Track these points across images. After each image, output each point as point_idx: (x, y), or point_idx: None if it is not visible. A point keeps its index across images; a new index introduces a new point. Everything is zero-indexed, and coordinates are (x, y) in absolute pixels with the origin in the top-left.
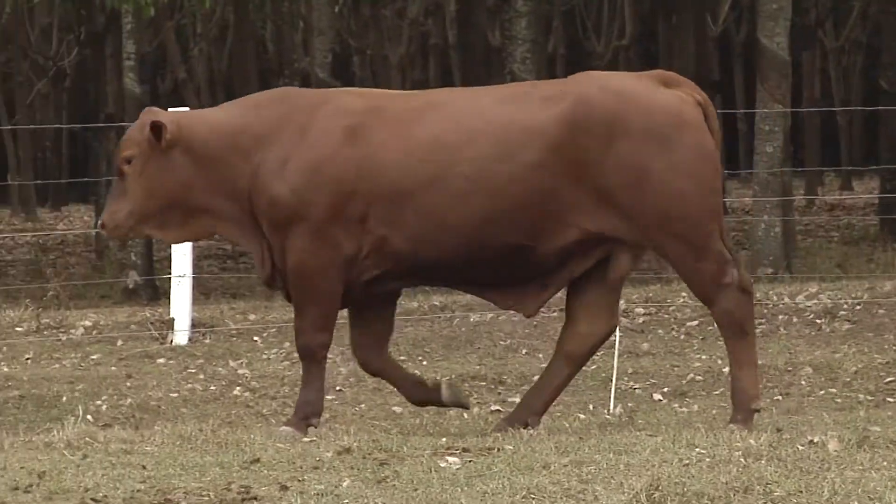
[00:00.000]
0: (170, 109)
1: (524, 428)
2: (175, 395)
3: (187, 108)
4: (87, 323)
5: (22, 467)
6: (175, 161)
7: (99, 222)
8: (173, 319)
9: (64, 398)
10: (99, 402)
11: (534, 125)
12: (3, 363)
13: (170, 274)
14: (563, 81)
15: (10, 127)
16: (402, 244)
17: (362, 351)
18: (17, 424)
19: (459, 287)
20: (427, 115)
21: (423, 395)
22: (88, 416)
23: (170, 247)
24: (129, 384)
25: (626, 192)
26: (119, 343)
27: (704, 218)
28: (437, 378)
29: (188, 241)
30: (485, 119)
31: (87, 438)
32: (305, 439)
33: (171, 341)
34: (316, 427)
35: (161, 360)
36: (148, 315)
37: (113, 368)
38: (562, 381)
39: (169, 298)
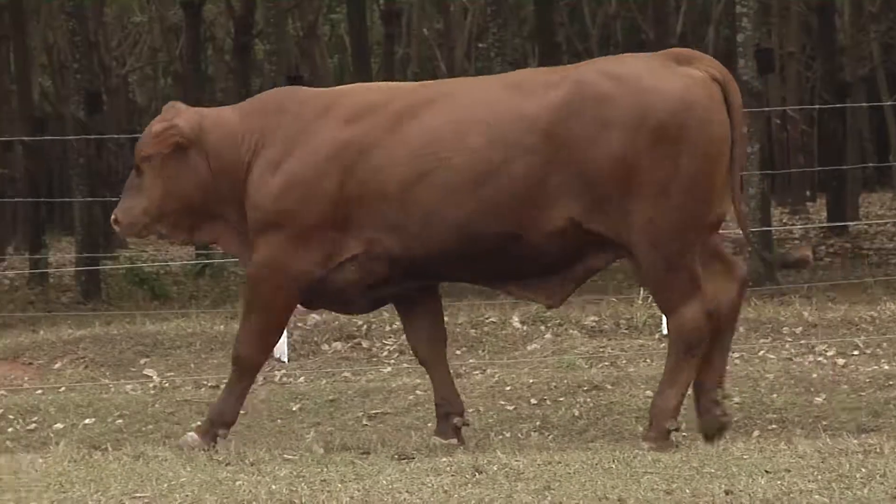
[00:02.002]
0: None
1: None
2: None
3: None
4: None
5: None
6: (192, 162)
7: (112, 217)
8: None
9: None
10: None
11: (529, 112)
12: (883, 360)
13: None
14: (571, 67)
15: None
16: (393, 243)
17: (420, 347)
18: None
19: (474, 283)
20: (427, 109)
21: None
22: None
23: None
24: None
25: (609, 184)
26: None
27: (688, 228)
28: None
29: (195, 244)
30: (484, 108)
31: None
32: None
33: None
34: (223, 438)
35: None
36: None
37: None
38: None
39: None
